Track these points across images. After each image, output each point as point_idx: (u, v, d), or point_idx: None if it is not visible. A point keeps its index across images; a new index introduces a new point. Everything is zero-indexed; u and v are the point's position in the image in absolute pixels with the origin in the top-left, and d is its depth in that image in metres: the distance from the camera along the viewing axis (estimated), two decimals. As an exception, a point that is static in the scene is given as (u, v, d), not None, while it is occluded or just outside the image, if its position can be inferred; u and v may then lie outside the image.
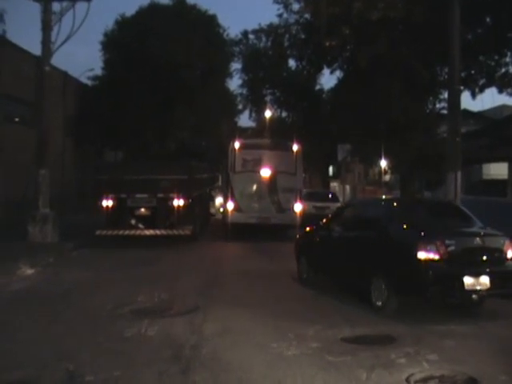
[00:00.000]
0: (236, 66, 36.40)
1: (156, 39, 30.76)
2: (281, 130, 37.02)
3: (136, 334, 8.16)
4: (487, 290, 9.21)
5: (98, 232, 18.07)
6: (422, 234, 9.61)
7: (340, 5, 16.79)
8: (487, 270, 9.34)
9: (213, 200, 29.47)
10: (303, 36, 21.73)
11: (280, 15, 22.41)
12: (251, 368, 6.79)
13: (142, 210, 18.64)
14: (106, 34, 35.24)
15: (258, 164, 21.74)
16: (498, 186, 19.54)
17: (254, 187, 21.51)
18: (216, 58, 34.23)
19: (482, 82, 18.33)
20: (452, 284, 9.26)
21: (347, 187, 45.05)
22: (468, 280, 9.07)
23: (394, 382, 6.38)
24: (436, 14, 15.49)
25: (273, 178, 21.41)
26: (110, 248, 17.73)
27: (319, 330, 8.44)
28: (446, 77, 17.25)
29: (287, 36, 23.87)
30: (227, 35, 36.28)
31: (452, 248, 9.34)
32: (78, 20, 18.84)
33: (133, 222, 18.52)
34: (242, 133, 44.50)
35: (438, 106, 19.88)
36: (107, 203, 18.27)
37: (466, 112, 26.33)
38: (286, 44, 24.90)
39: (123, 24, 34.87)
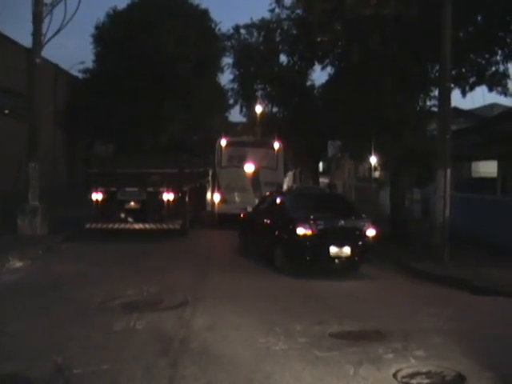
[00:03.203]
0: (227, 60, 36.20)
1: (147, 33, 30.68)
2: (271, 126, 36.98)
3: (125, 328, 8.16)
4: (348, 257, 13.05)
5: (87, 225, 18.01)
6: (301, 216, 13.47)
7: (332, 0, 16.74)
8: (349, 242, 13.05)
9: (205, 193, 29.58)
10: (295, 31, 21.61)
11: (272, 10, 22.22)
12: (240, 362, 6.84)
13: (132, 203, 18.58)
14: (97, 27, 35.11)
15: (242, 160, 24.09)
16: (487, 183, 19.61)
17: (239, 181, 23.60)
18: (208, 53, 34.18)
19: (472, 80, 18.28)
20: (321, 252, 12.94)
21: (337, 183, 45.07)
22: (333, 249, 12.89)
23: (381, 378, 6.42)
24: (428, 12, 15.51)
25: (256, 172, 23.75)
26: (100, 241, 17.71)
27: (307, 326, 8.49)
28: (437, 74, 17.23)
29: (279, 31, 23.76)
30: (219, 30, 36.17)
31: (321, 226, 13.13)
32: (70, 12, 18.79)
33: (122, 215, 18.44)
34: (233, 128, 44.43)
35: (428, 103, 19.84)
36: (97, 196, 18.21)
37: (457, 110, 26.38)
38: (278, 39, 24.81)
39: (115, 17, 34.75)
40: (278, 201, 15.48)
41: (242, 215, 18.03)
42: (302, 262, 13.32)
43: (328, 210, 14.26)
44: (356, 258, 13.25)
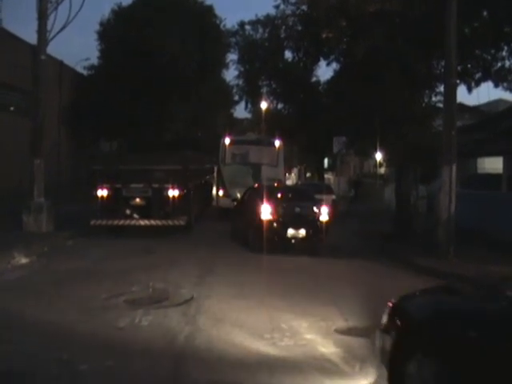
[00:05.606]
0: (232, 57, 36.17)
1: (152, 29, 30.65)
2: (276, 122, 36.95)
3: (130, 324, 8.18)
4: (304, 238, 15.92)
5: (92, 222, 17.99)
6: (265, 204, 16.12)
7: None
8: (304, 225, 15.92)
9: (211, 189, 29.73)
10: (300, 28, 21.56)
11: (277, 6, 22.19)
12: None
13: (137, 200, 18.61)
14: (102, 24, 35.11)
15: (245, 157, 26.01)
16: (492, 179, 19.55)
17: (242, 177, 24.55)
18: (212, 49, 34.14)
19: (477, 75, 18.24)
20: (280, 233, 15.83)
21: (342, 179, 45.03)
22: (291, 231, 15.85)
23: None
24: (433, 8, 15.46)
25: (257, 169, 25.10)
26: (105, 238, 17.72)
27: (312, 322, 8.49)
28: (443, 70, 17.17)
29: (284, 27, 23.72)
30: (224, 26, 36.15)
31: (281, 212, 16.13)
32: (75, 9, 18.76)
33: (128, 211, 18.46)
34: (238, 124, 44.33)
35: (433, 99, 19.78)
36: (102, 193, 18.22)
37: (462, 106, 26.30)
38: (283, 35, 24.78)
39: (120, 13, 34.74)
40: (257, 193, 18.17)
41: (235, 204, 21.09)
42: (266, 242, 15.42)
43: (292, 200, 17.43)
44: (314, 239, 16.09)
